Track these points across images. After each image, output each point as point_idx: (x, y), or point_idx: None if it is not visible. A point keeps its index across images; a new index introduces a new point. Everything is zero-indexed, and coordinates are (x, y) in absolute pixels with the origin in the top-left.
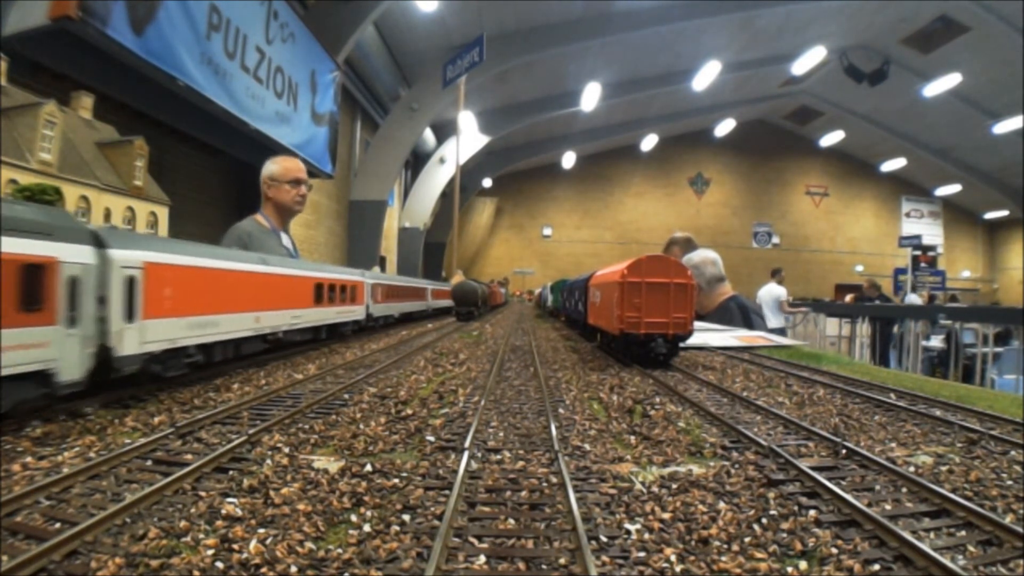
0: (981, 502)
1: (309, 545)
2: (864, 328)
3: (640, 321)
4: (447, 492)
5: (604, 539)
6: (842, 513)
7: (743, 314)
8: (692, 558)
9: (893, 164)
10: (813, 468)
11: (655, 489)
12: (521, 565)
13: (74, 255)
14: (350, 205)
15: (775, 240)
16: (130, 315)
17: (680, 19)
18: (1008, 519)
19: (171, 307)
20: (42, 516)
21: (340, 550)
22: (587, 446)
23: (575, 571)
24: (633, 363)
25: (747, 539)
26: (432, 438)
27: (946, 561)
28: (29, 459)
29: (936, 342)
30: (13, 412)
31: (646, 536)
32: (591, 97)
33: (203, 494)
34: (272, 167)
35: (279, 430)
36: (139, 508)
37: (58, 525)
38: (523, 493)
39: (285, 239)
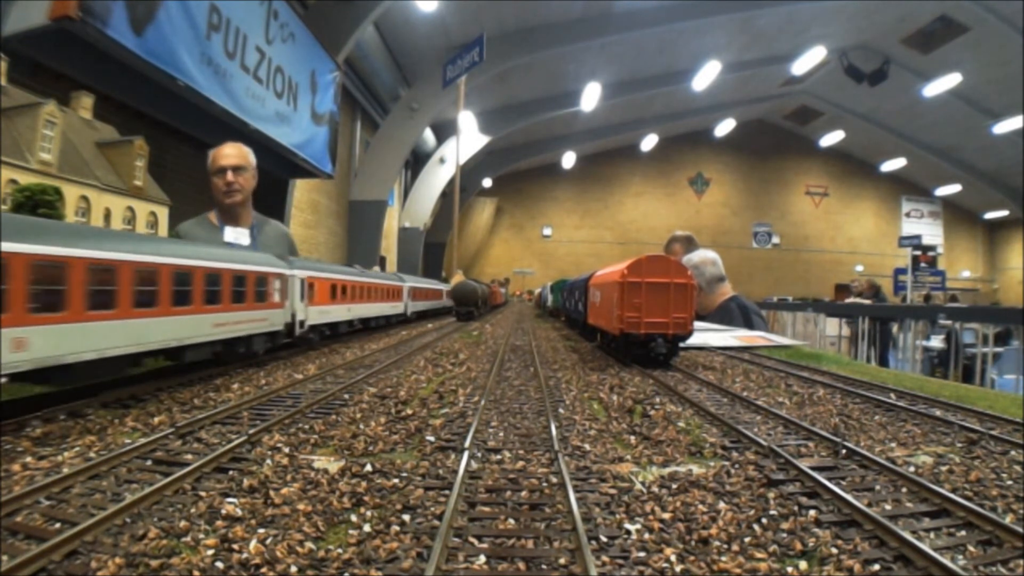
0: (981, 502)
1: (309, 545)
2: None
3: (640, 321)
4: (447, 492)
5: (604, 539)
6: (842, 513)
7: (743, 314)
8: (692, 558)
9: (893, 164)
10: (813, 468)
11: (655, 489)
12: (521, 565)
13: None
14: (350, 205)
15: (775, 240)
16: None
17: (680, 19)
18: (1008, 519)
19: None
20: (42, 516)
21: (340, 550)
22: (587, 446)
23: (575, 571)
24: (633, 363)
25: (747, 539)
26: (432, 438)
27: (946, 561)
28: (29, 459)
29: (936, 342)
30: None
31: (646, 536)
32: (591, 97)
33: (203, 494)
34: (208, 161)
35: (279, 430)
36: (139, 508)
37: (58, 525)
38: (523, 493)
39: (232, 234)
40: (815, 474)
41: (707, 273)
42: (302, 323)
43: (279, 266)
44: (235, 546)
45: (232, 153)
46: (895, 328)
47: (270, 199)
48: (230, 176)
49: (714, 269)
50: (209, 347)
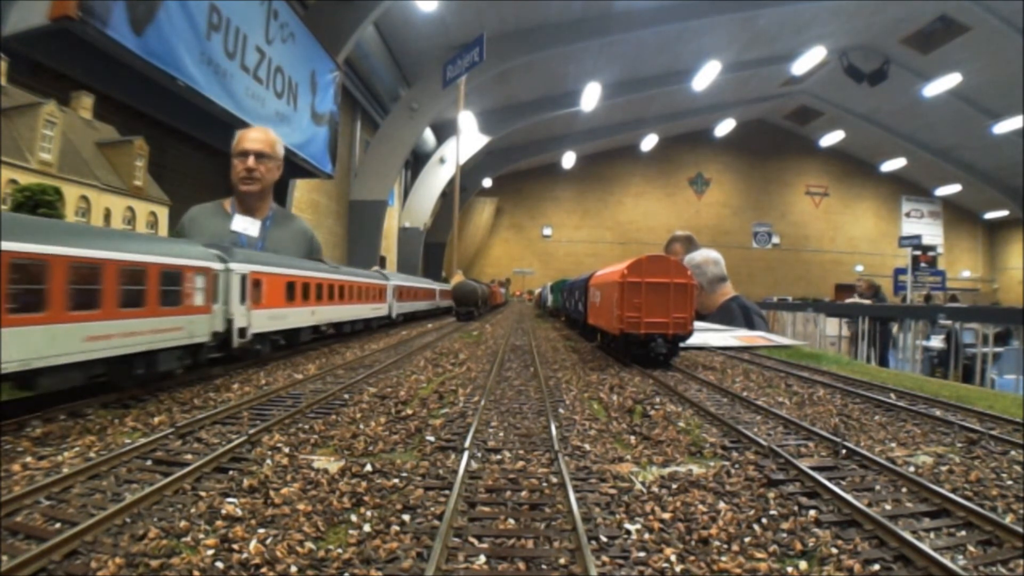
0: (981, 502)
1: (309, 545)
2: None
3: (640, 321)
4: (447, 492)
5: (604, 539)
6: (842, 513)
7: (744, 315)
8: (692, 558)
9: (893, 164)
10: (813, 468)
11: (655, 489)
12: (521, 565)
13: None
14: (350, 205)
15: (775, 240)
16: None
17: (680, 19)
18: (1008, 519)
19: None
20: (42, 516)
21: (340, 550)
22: (587, 446)
23: (575, 571)
24: (633, 363)
25: (747, 539)
26: (432, 438)
27: (946, 561)
28: (29, 459)
29: (936, 342)
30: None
31: (646, 536)
32: (591, 97)
33: (203, 494)
34: (232, 142)
35: (279, 430)
36: (139, 508)
37: (58, 525)
38: (523, 493)
39: (241, 223)
40: (815, 474)
41: (709, 273)
42: (242, 331)
43: (204, 258)
44: (235, 546)
45: (258, 137)
46: (895, 328)
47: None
48: (251, 162)
49: (716, 269)
50: (80, 370)
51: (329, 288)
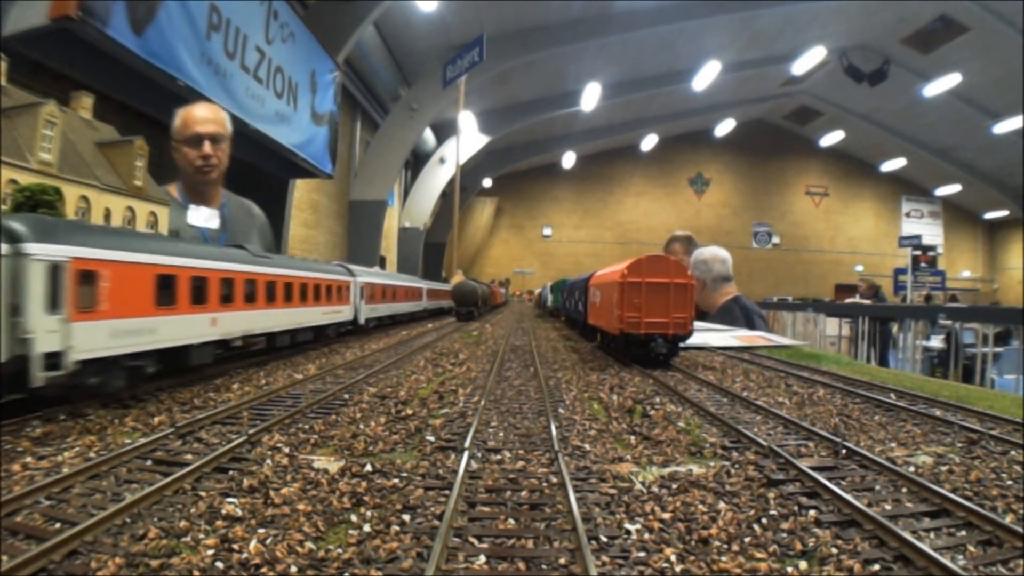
0: (981, 502)
1: (309, 545)
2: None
3: (640, 321)
4: (447, 492)
5: (604, 539)
6: (842, 513)
7: (745, 315)
8: (692, 558)
9: (893, 164)
10: (813, 468)
11: (655, 489)
12: (521, 565)
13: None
14: (350, 205)
15: (775, 240)
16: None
17: (680, 19)
18: (1008, 519)
19: None
20: (42, 516)
21: (340, 550)
22: (587, 446)
23: (575, 571)
24: (633, 363)
25: (747, 539)
26: (432, 438)
27: (946, 561)
28: (29, 459)
29: (936, 342)
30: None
31: (646, 536)
32: (591, 97)
33: (203, 494)
34: (174, 122)
35: (279, 430)
36: (139, 508)
37: (58, 525)
38: (523, 493)
39: (198, 216)
40: (815, 474)
41: (714, 270)
42: (53, 358)
43: None
44: (235, 546)
45: (209, 118)
46: (895, 328)
47: (270, 199)
48: (207, 148)
49: (722, 267)
50: None
51: (247, 285)
